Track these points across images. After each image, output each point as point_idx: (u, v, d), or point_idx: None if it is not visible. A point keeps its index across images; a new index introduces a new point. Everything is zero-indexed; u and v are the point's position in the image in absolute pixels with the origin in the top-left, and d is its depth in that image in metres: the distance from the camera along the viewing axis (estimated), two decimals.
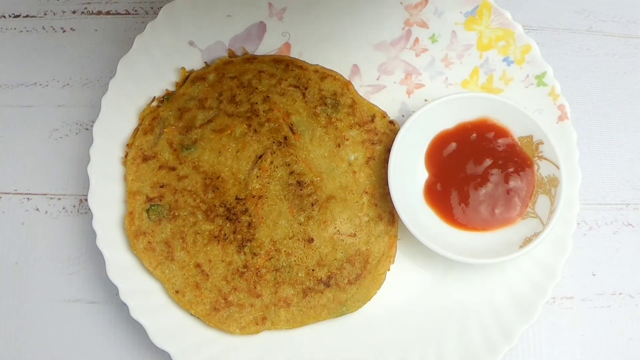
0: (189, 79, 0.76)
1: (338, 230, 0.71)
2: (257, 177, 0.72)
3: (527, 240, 0.67)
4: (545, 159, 0.70)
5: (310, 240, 0.71)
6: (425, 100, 0.77)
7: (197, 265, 0.70)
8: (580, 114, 0.81)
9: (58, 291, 0.76)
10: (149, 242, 0.71)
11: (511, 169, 0.70)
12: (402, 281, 0.72)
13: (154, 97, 0.76)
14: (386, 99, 0.76)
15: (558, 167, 0.69)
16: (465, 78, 0.77)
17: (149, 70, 0.76)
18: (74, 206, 0.79)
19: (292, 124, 0.74)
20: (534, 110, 0.74)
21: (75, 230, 0.78)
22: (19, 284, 0.76)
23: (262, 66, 0.76)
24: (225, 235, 0.71)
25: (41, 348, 0.74)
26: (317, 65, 0.76)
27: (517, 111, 0.70)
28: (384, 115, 0.75)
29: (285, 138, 0.73)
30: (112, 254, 0.70)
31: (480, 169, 0.70)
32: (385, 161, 0.72)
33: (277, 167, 0.73)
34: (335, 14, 0.78)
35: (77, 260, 0.77)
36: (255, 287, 0.70)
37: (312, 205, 0.71)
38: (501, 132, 0.72)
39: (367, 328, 0.71)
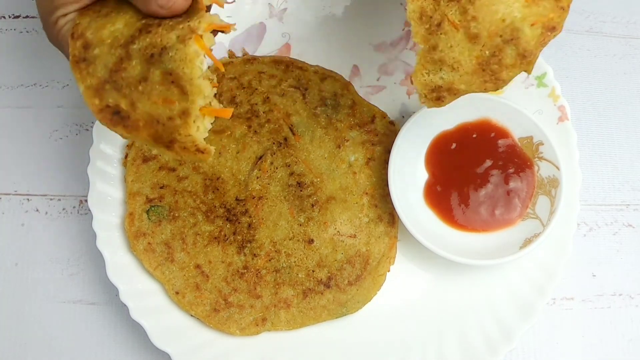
0: None
1: (338, 231, 0.71)
2: (257, 178, 0.72)
3: (527, 241, 0.67)
4: (545, 159, 0.70)
5: (311, 241, 0.71)
6: None
7: (197, 266, 0.70)
8: (581, 114, 0.81)
9: (58, 292, 0.76)
10: (149, 243, 0.71)
11: (511, 170, 0.70)
12: (402, 282, 0.72)
13: None
14: (386, 100, 0.76)
15: (558, 168, 0.69)
16: None
17: None
18: (74, 207, 0.78)
19: (292, 125, 0.74)
20: (534, 111, 0.74)
21: (75, 231, 0.78)
22: (18, 285, 0.76)
23: (262, 67, 0.76)
24: (225, 236, 0.71)
25: (41, 349, 0.74)
26: (317, 66, 0.76)
27: (517, 112, 0.70)
28: (384, 116, 0.75)
29: (285, 139, 0.73)
30: (112, 255, 0.70)
31: (481, 170, 0.70)
32: (385, 162, 0.72)
33: (277, 168, 0.73)
34: (336, 15, 0.78)
35: (77, 261, 0.77)
36: (255, 288, 0.70)
37: (312, 206, 0.71)
38: (501, 133, 0.71)
39: (367, 329, 0.71)
